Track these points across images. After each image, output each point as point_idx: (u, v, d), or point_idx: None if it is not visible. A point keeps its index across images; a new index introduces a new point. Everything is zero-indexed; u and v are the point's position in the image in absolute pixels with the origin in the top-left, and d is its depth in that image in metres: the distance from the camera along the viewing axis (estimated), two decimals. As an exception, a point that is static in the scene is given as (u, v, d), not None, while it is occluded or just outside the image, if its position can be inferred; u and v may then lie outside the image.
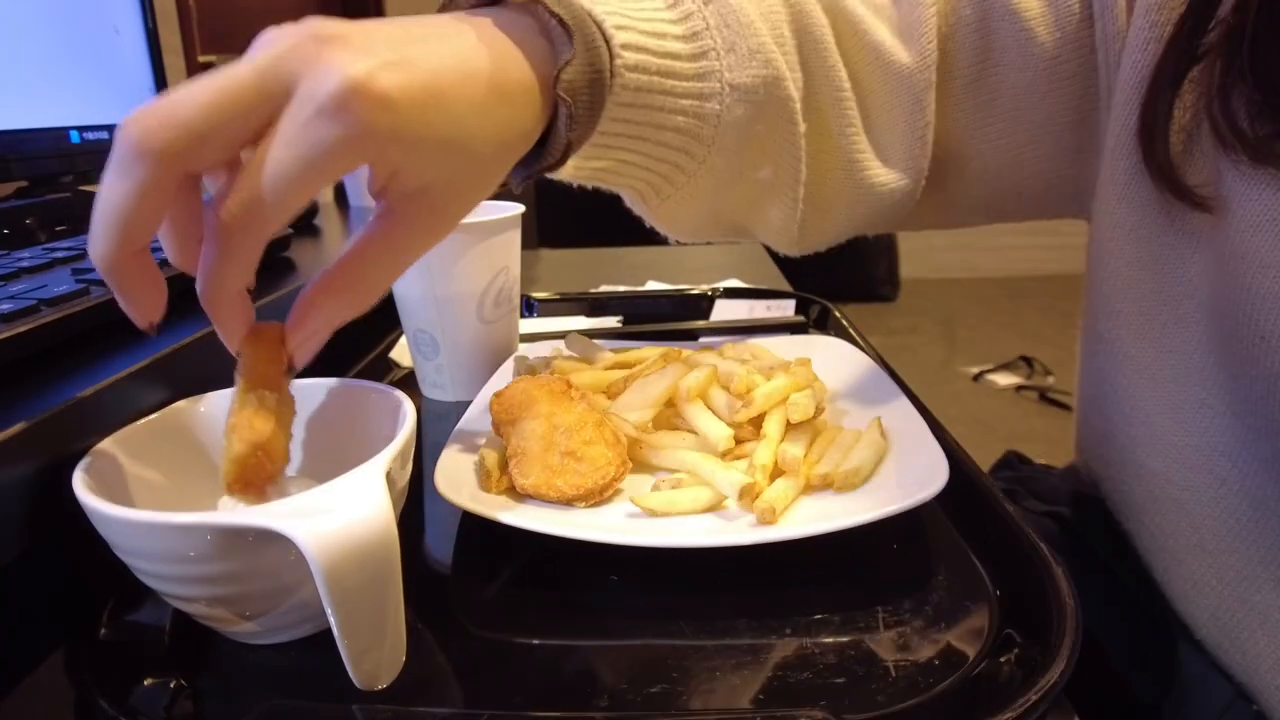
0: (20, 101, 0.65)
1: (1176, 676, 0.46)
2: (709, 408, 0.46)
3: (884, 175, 0.51)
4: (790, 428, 0.44)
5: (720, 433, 0.43)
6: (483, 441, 0.46)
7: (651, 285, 0.93)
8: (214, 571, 0.29)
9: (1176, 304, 0.44)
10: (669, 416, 0.47)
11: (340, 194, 1.09)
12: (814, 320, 0.75)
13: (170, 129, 0.26)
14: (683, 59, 0.41)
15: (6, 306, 0.37)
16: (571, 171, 0.43)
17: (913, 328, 3.45)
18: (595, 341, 0.57)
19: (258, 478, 0.32)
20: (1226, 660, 0.44)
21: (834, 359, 0.56)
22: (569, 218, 2.01)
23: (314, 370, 0.35)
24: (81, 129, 0.70)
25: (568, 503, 0.40)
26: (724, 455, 0.42)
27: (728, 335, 0.68)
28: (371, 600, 0.26)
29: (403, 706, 0.29)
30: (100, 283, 0.42)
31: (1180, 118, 0.42)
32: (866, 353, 0.58)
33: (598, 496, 0.40)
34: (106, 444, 0.33)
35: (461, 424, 0.47)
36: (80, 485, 0.30)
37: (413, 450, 0.34)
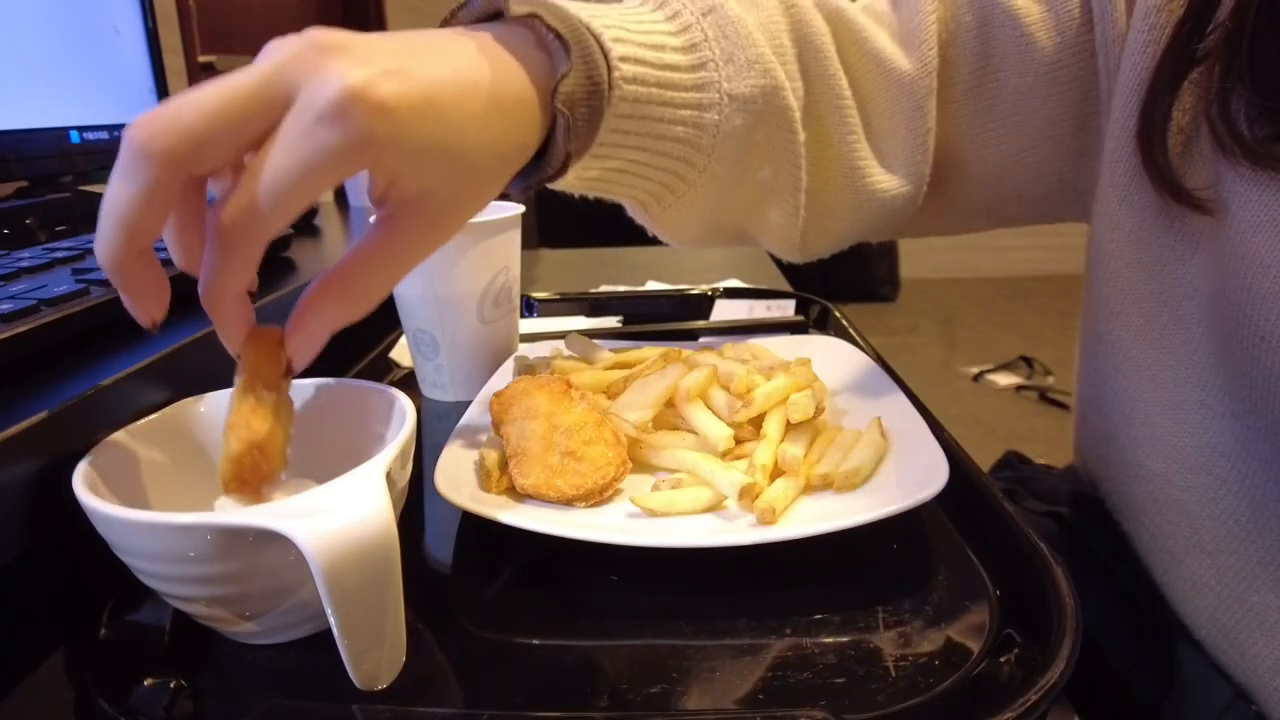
0: (20, 101, 0.65)
1: (1176, 677, 0.46)
2: (709, 408, 0.46)
3: (886, 182, 0.51)
4: (790, 428, 0.44)
5: (720, 433, 0.43)
6: (483, 441, 0.46)
7: (651, 285, 0.93)
8: (214, 571, 0.29)
9: (1176, 305, 0.44)
10: (669, 416, 0.47)
11: (340, 195, 1.09)
12: (814, 320, 0.75)
13: (174, 133, 0.27)
14: (681, 70, 0.41)
15: (6, 306, 0.37)
16: (572, 182, 0.43)
17: (913, 328, 3.45)
18: (595, 341, 0.57)
19: (254, 477, 0.32)
20: (1225, 660, 0.44)
21: (834, 359, 0.56)
22: (569, 218, 2.01)
23: (314, 370, 0.35)
24: (81, 129, 0.70)
25: (568, 503, 0.40)
26: (724, 455, 0.42)
27: (728, 335, 0.68)
28: (371, 600, 0.26)
29: (403, 706, 0.29)
30: (100, 283, 0.42)
31: (1179, 120, 0.42)
32: (866, 353, 0.58)
33: (598, 496, 0.40)
34: (106, 444, 0.33)
35: (461, 424, 0.47)
36: (80, 485, 0.30)
37: (413, 450, 0.34)
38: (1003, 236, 0.62)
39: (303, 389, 0.40)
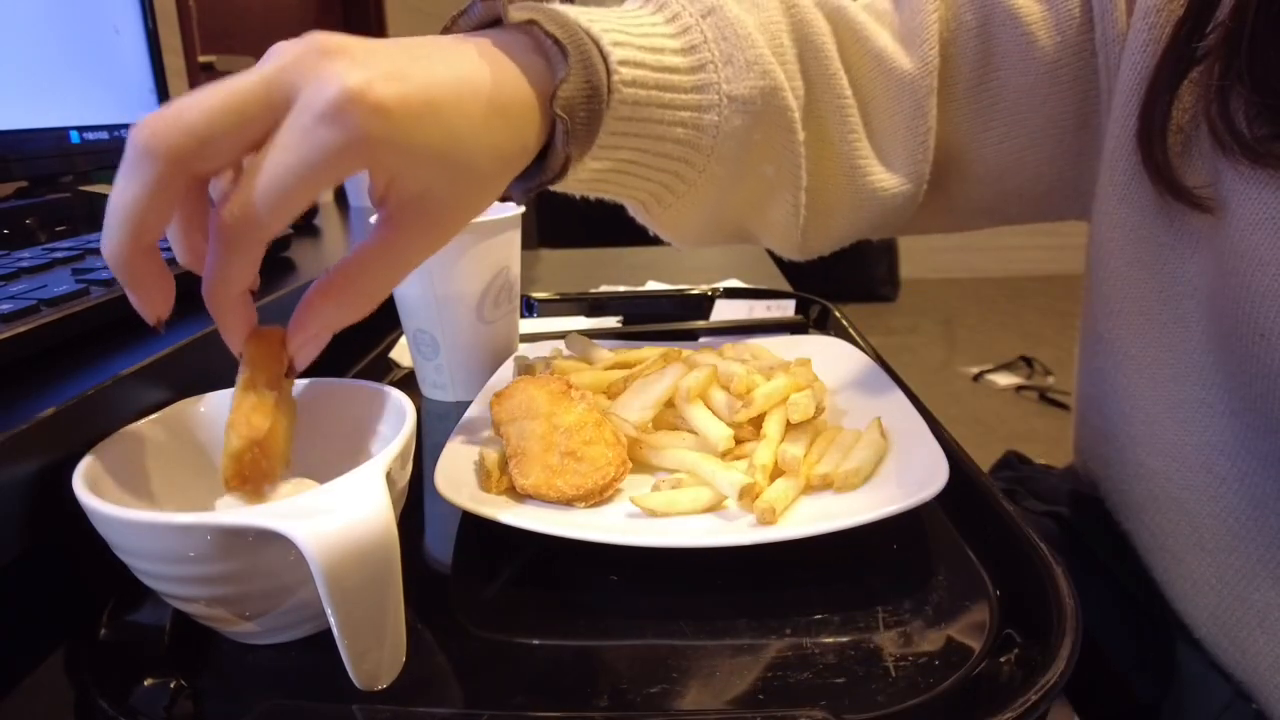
0: (20, 101, 0.65)
1: (1176, 676, 0.46)
2: (709, 408, 0.46)
3: (886, 180, 0.51)
4: (790, 428, 0.44)
5: (720, 433, 0.43)
6: (483, 441, 0.46)
7: (651, 285, 0.93)
8: (214, 571, 0.29)
9: (1176, 303, 0.44)
10: (669, 416, 0.47)
11: (340, 195, 1.09)
12: (814, 320, 0.75)
13: (176, 133, 0.27)
14: (680, 72, 0.42)
15: (6, 306, 0.37)
16: (573, 184, 0.43)
17: (913, 328, 3.45)
18: (595, 341, 0.57)
19: (255, 474, 0.32)
20: (1225, 659, 0.44)
21: (834, 359, 0.56)
22: (569, 218, 2.01)
23: (314, 370, 0.35)
24: (81, 129, 0.70)
25: (568, 503, 0.40)
26: (724, 455, 0.42)
27: (728, 335, 0.68)
28: (371, 600, 0.26)
29: (403, 706, 0.29)
30: (100, 282, 0.42)
31: (1179, 119, 0.42)
32: (866, 353, 0.58)
33: (598, 496, 0.40)
34: (106, 444, 0.33)
35: (461, 424, 0.47)
36: (80, 485, 0.30)
37: (413, 450, 0.34)
38: (1003, 236, 0.62)
39: (303, 389, 0.40)
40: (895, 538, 0.39)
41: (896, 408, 0.47)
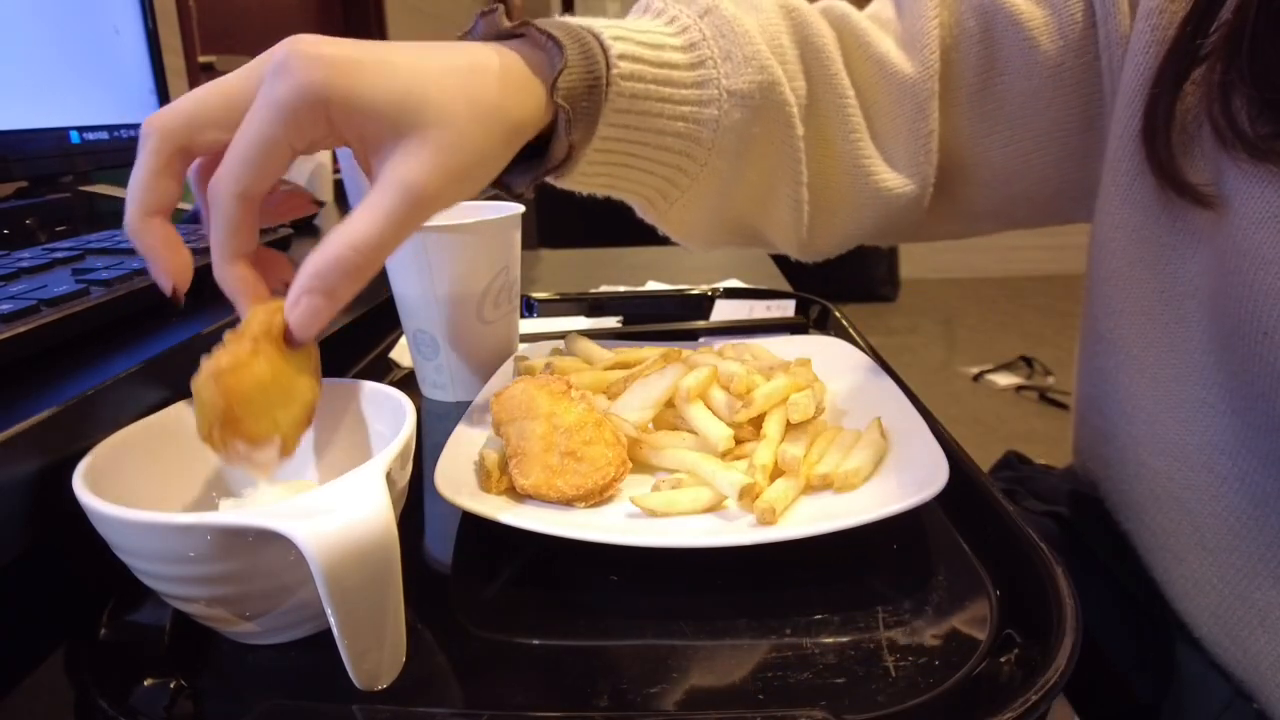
0: (20, 101, 0.65)
1: (1176, 676, 0.46)
2: (709, 408, 0.46)
3: (890, 179, 0.52)
4: (790, 428, 0.44)
5: (720, 433, 0.43)
6: (483, 441, 0.46)
7: (651, 285, 0.93)
8: (214, 572, 0.29)
9: (1178, 303, 0.44)
10: (669, 416, 0.47)
11: (340, 196, 1.09)
12: (814, 320, 0.75)
13: (168, 114, 0.33)
14: (681, 68, 0.44)
15: (6, 306, 0.37)
16: (579, 179, 0.45)
17: (913, 328, 3.45)
18: (595, 342, 0.57)
19: (228, 424, 0.31)
20: (1226, 658, 0.44)
21: (834, 359, 0.56)
22: (569, 218, 2.02)
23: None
24: (81, 129, 0.70)
25: (568, 503, 0.40)
26: (724, 455, 0.42)
27: (728, 335, 0.68)
28: (371, 600, 0.26)
29: (403, 706, 0.29)
30: (100, 283, 0.42)
31: (1182, 118, 0.42)
32: (866, 353, 0.58)
33: (598, 496, 0.40)
34: (106, 444, 0.33)
35: (461, 424, 0.47)
36: (80, 485, 0.30)
37: (413, 450, 0.34)
38: (1003, 236, 0.63)
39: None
40: (895, 538, 0.39)
41: (896, 408, 0.47)
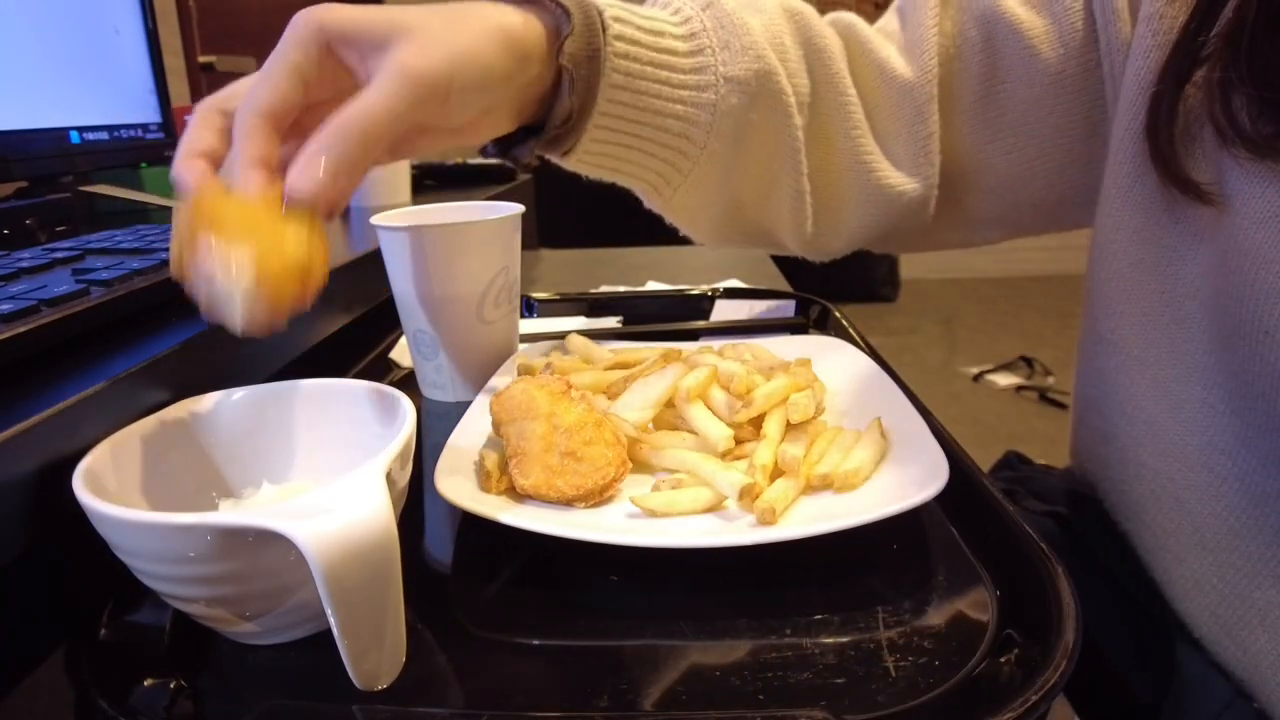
0: (20, 101, 0.65)
1: (1176, 676, 0.46)
2: (709, 408, 0.46)
3: (893, 177, 0.53)
4: (790, 428, 0.44)
5: (720, 433, 0.43)
6: (483, 442, 0.46)
7: (651, 285, 0.93)
8: (214, 572, 0.29)
9: (1179, 304, 0.44)
10: (669, 416, 0.47)
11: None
12: (814, 320, 0.74)
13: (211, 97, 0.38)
14: (681, 55, 0.47)
15: (6, 306, 0.37)
16: (583, 160, 0.48)
17: (913, 328, 3.45)
18: (595, 342, 0.57)
19: (190, 249, 0.32)
20: (1226, 658, 0.44)
21: (834, 359, 0.56)
22: (569, 218, 2.02)
23: (315, 370, 0.35)
24: (81, 129, 0.70)
25: (568, 503, 0.40)
26: (724, 455, 0.42)
27: (728, 335, 0.68)
28: (371, 600, 0.26)
29: (403, 706, 0.29)
30: (100, 283, 0.42)
31: (1184, 119, 0.42)
32: (866, 353, 0.58)
33: (598, 497, 0.40)
34: (106, 444, 0.33)
35: (461, 424, 0.47)
36: (80, 485, 0.30)
37: (413, 450, 0.34)
38: (1004, 236, 0.63)
39: (303, 389, 0.40)
40: (895, 538, 0.39)
41: (896, 408, 0.47)
